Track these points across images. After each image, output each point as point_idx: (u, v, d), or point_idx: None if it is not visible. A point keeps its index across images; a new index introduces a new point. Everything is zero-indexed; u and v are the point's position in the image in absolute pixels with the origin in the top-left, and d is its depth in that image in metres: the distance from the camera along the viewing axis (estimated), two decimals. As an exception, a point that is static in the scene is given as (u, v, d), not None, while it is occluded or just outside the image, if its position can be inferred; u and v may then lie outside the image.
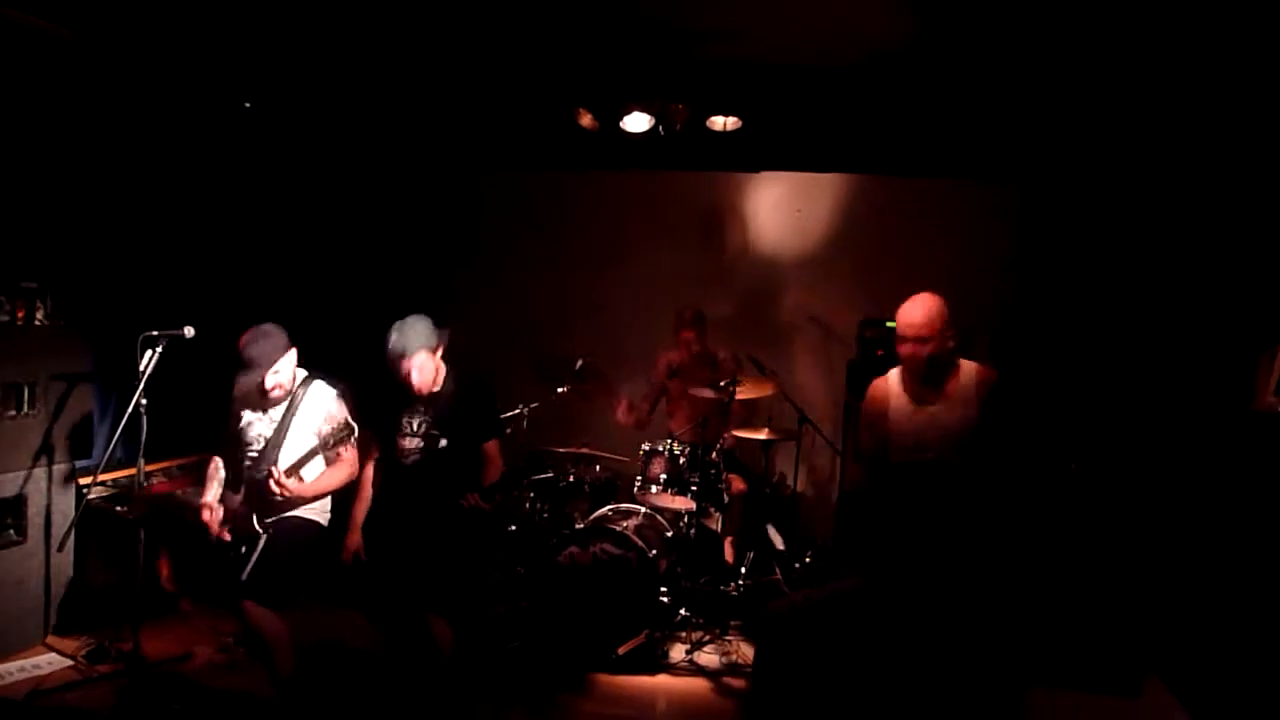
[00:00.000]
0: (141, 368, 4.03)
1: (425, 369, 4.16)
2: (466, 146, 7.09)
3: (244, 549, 4.07)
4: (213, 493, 4.31)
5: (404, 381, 4.16)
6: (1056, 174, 6.24)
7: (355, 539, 4.28)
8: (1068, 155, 6.06)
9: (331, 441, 4.05)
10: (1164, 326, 5.34)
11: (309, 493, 4.18)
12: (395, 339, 4.11)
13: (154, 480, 5.37)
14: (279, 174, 6.70)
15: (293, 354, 4.18)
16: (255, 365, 4.05)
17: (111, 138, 5.37)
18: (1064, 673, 4.63)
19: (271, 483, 4.01)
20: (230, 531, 4.14)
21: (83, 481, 4.96)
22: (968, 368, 3.83)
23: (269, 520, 4.12)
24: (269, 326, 4.12)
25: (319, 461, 4.20)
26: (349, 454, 4.22)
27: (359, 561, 4.25)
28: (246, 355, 4.04)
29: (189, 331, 4.07)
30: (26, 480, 4.73)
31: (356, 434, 4.07)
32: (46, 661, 4.63)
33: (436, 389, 4.27)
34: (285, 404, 4.20)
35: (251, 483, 4.16)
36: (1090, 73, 5.04)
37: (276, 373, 4.10)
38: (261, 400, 4.20)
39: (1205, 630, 4.27)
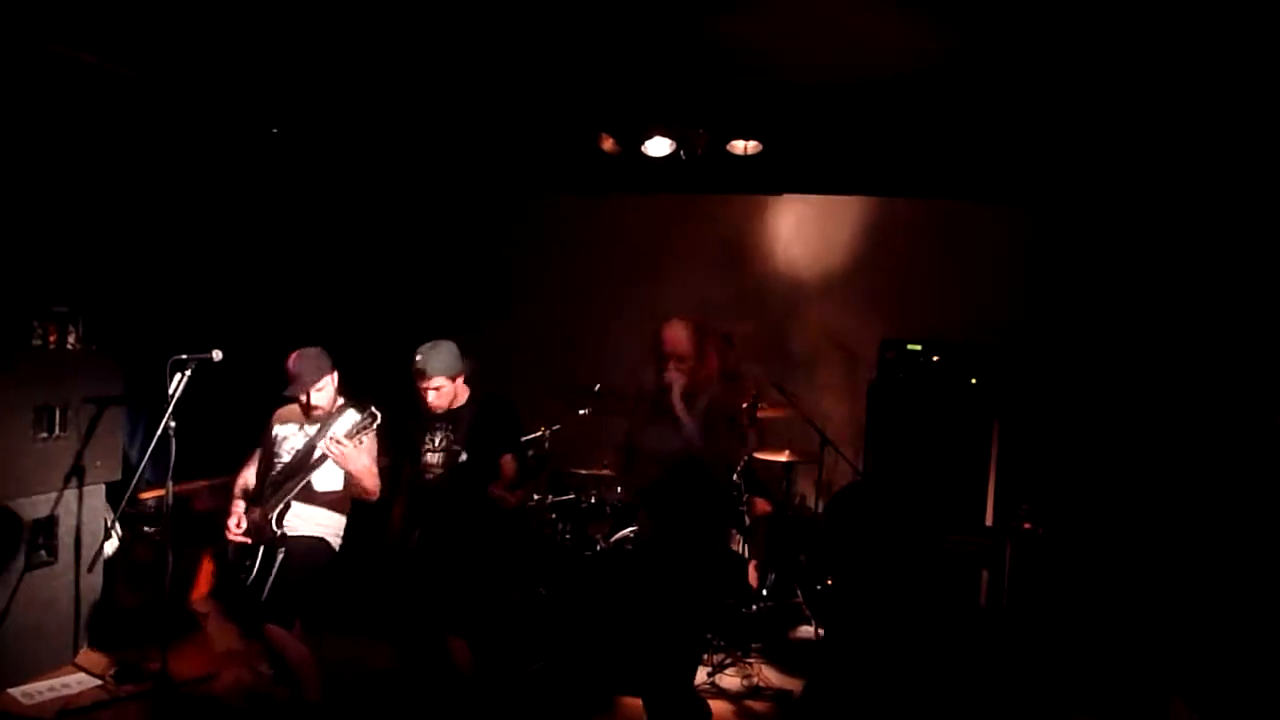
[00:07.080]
0: (171, 390, 4.11)
1: (443, 392, 4.29)
2: (491, 171, 7.18)
3: (260, 560, 4.14)
4: (239, 507, 4.37)
5: (420, 399, 4.29)
6: (1078, 197, 6.22)
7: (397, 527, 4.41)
8: (1092, 178, 6.04)
9: (355, 429, 4.06)
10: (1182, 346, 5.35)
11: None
12: (420, 359, 4.24)
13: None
14: (306, 200, 6.80)
15: (333, 377, 4.31)
16: (298, 383, 4.21)
17: (140, 164, 5.49)
18: (1087, 701, 4.61)
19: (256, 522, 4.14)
20: (247, 542, 4.21)
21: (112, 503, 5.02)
22: None
23: (285, 535, 4.16)
24: (314, 349, 4.28)
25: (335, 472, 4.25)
26: (368, 444, 4.22)
27: (380, 583, 4.31)
28: (291, 373, 4.21)
29: (217, 355, 4.16)
30: (58, 501, 4.79)
31: (379, 421, 4.07)
32: (76, 681, 4.68)
33: (456, 407, 4.37)
34: (319, 424, 4.30)
35: (274, 486, 4.24)
36: (1113, 94, 5.04)
37: (319, 391, 4.25)
38: (301, 418, 4.34)
39: (1226, 649, 4.23)
